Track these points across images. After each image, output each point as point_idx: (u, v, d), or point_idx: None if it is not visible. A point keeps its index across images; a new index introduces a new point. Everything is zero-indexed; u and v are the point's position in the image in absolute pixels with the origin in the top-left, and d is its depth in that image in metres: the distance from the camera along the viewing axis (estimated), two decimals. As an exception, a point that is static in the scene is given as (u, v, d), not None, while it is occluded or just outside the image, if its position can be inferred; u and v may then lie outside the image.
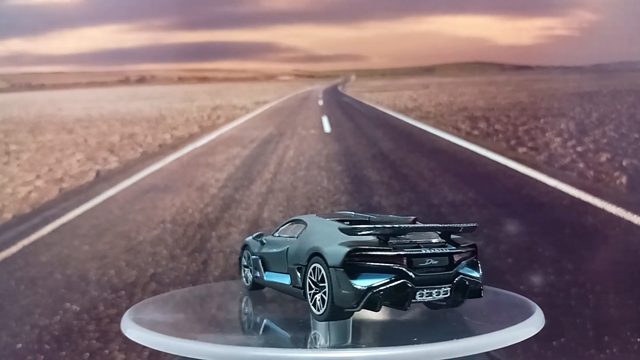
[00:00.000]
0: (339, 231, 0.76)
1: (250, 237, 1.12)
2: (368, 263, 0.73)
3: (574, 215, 4.07)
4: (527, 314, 0.77)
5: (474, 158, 6.73)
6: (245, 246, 1.13)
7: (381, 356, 0.62)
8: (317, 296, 0.74)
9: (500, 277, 2.95)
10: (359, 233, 0.76)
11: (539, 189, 4.95)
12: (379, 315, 0.77)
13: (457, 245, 0.82)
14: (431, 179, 5.52)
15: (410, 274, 0.76)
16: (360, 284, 0.73)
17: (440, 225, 0.82)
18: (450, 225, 0.81)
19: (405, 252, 0.78)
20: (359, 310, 0.73)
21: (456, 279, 0.79)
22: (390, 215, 0.94)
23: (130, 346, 2.30)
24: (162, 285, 3.03)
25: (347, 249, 0.74)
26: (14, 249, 3.86)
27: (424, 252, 0.79)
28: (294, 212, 4.36)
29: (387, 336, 0.79)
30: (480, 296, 0.81)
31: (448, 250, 0.81)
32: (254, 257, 1.04)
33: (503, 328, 0.70)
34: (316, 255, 0.76)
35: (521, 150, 7.07)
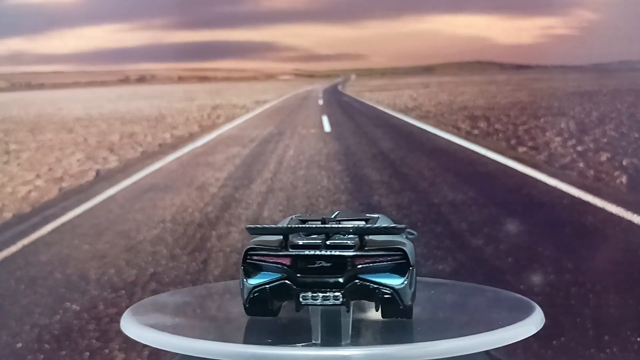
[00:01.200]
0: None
1: None
2: (263, 262, 0.75)
3: (574, 215, 4.07)
4: (526, 313, 0.77)
5: (474, 157, 6.72)
6: None
7: (380, 354, 0.62)
8: None
9: (500, 277, 2.96)
10: (261, 233, 0.77)
11: (539, 189, 4.95)
12: (379, 314, 0.77)
13: (362, 247, 0.79)
14: (431, 178, 5.52)
15: (297, 275, 0.76)
16: (250, 282, 0.75)
17: (350, 226, 0.79)
18: (365, 227, 0.78)
19: (289, 253, 0.78)
20: (249, 308, 0.75)
21: (349, 284, 0.75)
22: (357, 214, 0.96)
23: (131, 346, 2.30)
24: (162, 284, 3.03)
25: (246, 248, 0.77)
26: (13, 248, 3.86)
27: (307, 253, 0.78)
28: (294, 212, 4.36)
29: (386, 335, 0.78)
30: (398, 307, 0.78)
31: (338, 253, 0.78)
32: None
33: (502, 327, 0.69)
34: None
35: (521, 149, 7.07)
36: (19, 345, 2.45)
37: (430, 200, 4.60)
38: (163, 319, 0.79)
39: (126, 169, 6.91)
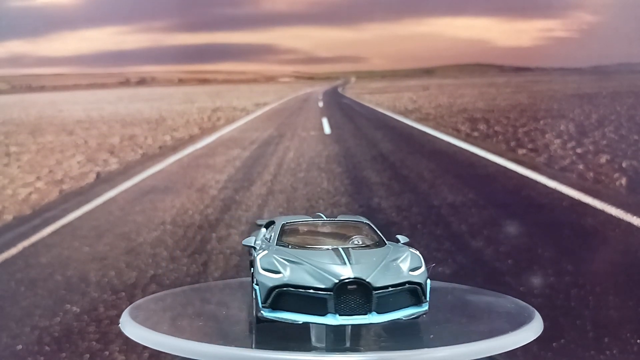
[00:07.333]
0: None
1: None
2: None
3: (574, 217, 4.07)
4: (526, 319, 0.77)
5: (474, 159, 6.73)
6: None
7: None
8: None
9: (500, 279, 2.96)
10: None
11: (539, 191, 4.96)
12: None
13: None
14: (431, 180, 5.53)
15: None
16: None
17: None
18: None
19: None
20: None
21: None
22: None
23: (131, 347, 2.30)
24: (162, 286, 3.04)
25: None
26: (14, 250, 3.87)
27: None
28: (294, 214, 4.35)
29: (387, 340, 0.79)
30: None
31: None
32: None
33: (502, 333, 0.70)
34: None
35: (521, 151, 7.08)
36: (19, 347, 2.45)
37: (430, 202, 4.60)
38: (162, 318, 0.79)
39: (126, 171, 6.91)
